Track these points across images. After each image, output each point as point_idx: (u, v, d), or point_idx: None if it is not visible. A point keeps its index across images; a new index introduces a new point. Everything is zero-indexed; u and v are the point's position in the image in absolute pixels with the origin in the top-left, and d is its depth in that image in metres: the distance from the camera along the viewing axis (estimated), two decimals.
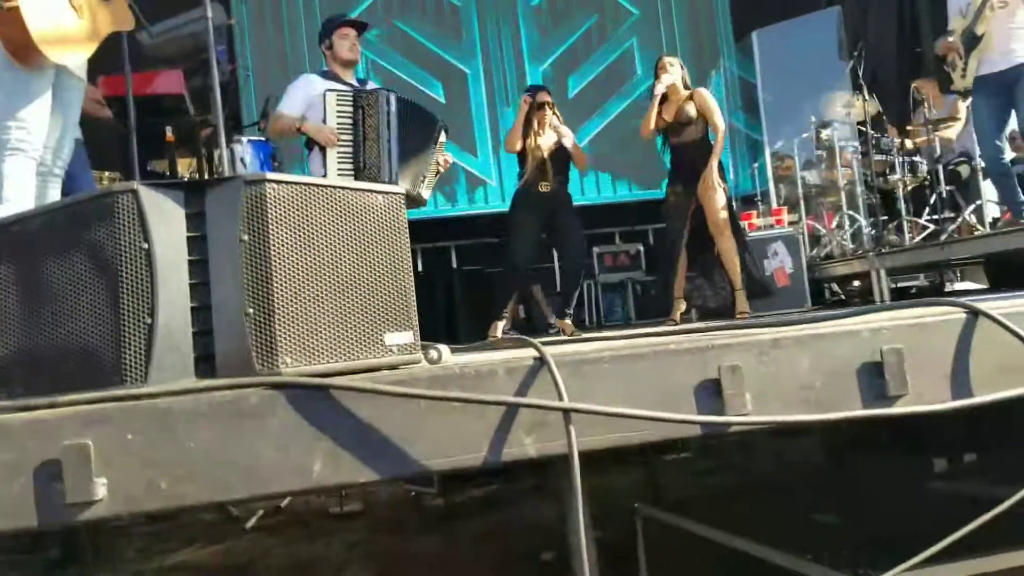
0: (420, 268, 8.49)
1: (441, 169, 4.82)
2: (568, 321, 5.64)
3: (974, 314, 1.81)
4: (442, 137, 4.74)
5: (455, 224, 8.49)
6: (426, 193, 4.72)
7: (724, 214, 5.48)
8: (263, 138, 5.63)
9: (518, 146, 5.61)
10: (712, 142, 5.52)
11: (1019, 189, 5.10)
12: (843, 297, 6.98)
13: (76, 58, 3.03)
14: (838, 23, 7.90)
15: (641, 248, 8.47)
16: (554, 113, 5.64)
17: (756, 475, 6.10)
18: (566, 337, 5.30)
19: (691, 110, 5.48)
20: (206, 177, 5.02)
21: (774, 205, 7.24)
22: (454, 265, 8.64)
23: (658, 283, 5.78)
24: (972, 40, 5.03)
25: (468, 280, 7.95)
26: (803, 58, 7.87)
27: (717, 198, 5.45)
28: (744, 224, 6.27)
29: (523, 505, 5.95)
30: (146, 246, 1.65)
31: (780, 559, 2.40)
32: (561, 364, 1.70)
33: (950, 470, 3.54)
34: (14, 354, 1.76)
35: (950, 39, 5.22)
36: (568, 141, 5.56)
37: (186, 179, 5.28)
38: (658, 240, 8.23)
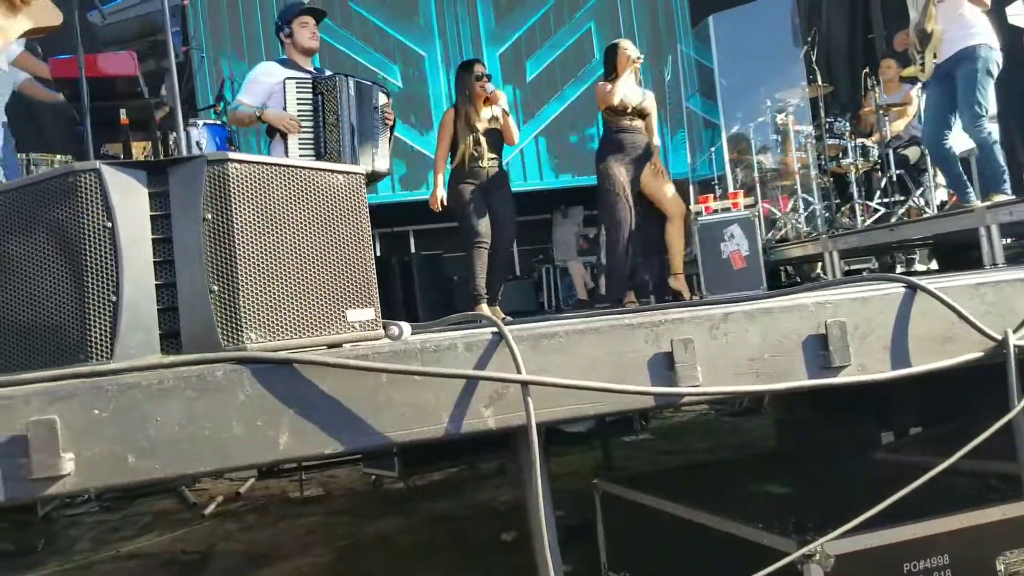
0: (378, 252, 8.48)
1: (389, 123, 4.82)
2: (498, 308, 5.59)
3: (912, 288, 1.90)
4: (382, 99, 4.77)
5: (413, 208, 8.45)
6: (385, 163, 4.75)
7: (676, 197, 5.68)
8: (219, 122, 5.61)
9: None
10: None
11: (963, 174, 5.24)
12: (798, 279, 7.13)
13: None
14: (793, 9, 8.03)
15: (602, 232, 8.53)
16: (489, 81, 5.52)
17: (711, 453, 6.24)
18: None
19: (649, 106, 5.69)
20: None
21: (731, 188, 7.35)
22: (412, 249, 8.65)
23: (613, 266, 5.74)
24: (924, 36, 5.15)
25: (426, 264, 7.96)
26: (759, 43, 7.99)
27: (670, 183, 5.64)
28: (702, 207, 6.38)
29: (484, 488, 6.01)
30: (109, 224, 1.67)
31: (733, 528, 2.49)
32: (519, 339, 1.75)
33: (897, 443, 3.67)
34: None
35: (906, 32, 5.33)
36: (503, 103, 5.47)
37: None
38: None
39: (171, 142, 5.14)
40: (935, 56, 5.13)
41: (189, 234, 1.70)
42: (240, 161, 1.72)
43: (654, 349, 1.81)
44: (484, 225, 5.42)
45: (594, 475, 3.46)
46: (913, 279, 1.94)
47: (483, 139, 5.46)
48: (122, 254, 1.68)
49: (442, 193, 5.52)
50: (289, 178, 1.78)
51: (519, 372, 1.70)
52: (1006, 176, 4.94)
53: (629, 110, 5.65)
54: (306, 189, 1.81)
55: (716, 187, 7.63)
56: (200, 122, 5.46)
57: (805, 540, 2.16)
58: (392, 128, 4.86)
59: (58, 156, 5.33)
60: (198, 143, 5.31)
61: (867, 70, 6.95)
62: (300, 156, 4.47)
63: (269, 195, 1.74)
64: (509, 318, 5.50)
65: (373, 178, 4.83)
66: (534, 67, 8.93)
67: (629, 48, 5.70)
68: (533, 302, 8.34)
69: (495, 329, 1.76)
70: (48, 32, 3.49)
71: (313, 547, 4.87)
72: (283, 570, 4.49)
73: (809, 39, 7.13)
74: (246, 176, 1.72)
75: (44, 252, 1.68)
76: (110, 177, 1.68)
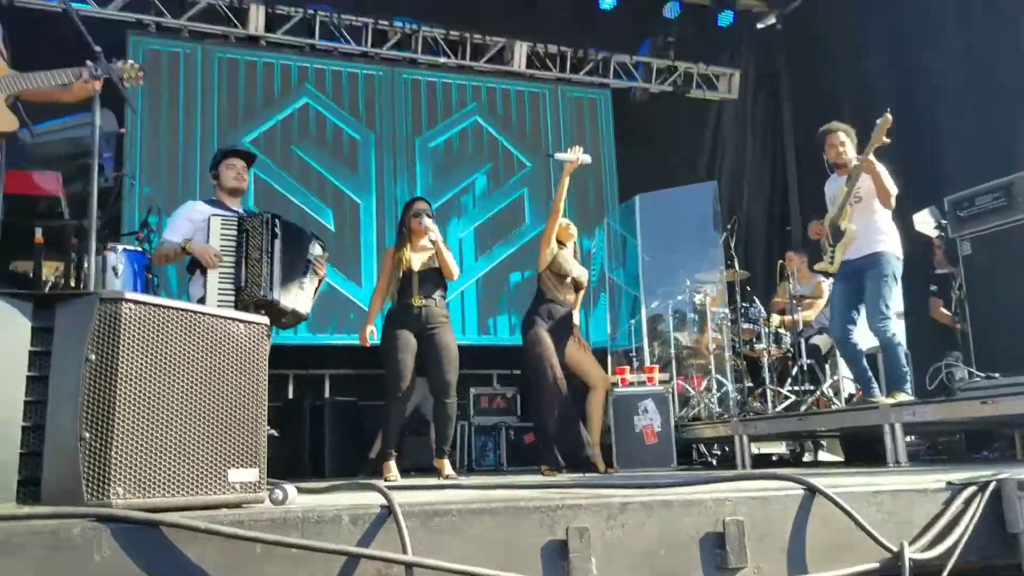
0: (291, 394, 8.26)
1: (320, 274, 4.80)
2: (445, 460, 5.38)
3: (811, 491, 1.89)
4: (317, 250, 4.78)
5: (332, 352, 8.34)
6: (307, 307, 4.70)
7: (599, 368, 5.73)
8: (140, 249, 5.51)
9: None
10: None
11: (868, 369, 5.40)
12: (709, 459, 7.15)
13: None
14: (715, 197, 8.41)
15: (518, 392, 8.51)
16: (431, 218, 5.42)
17: None
18: (440, 481, 5.14)
19: (583, 280, 5.81)
20: (71, 283, 4.84)
21: (647, 362, 7.44)
22: (327, 394, 8.44)
23: (542, 431, 5.68)
24: (837, 232, 5.39)
25: (340, 410, 7.74)
26: (681, 224, 8.31)
27: (590, 355, 5.71)
28: (618, 379, 6.41)
29: None
30: None
31: None
32: (409, 514, 1.67)
33: None
34: None
35: (821, 223, 5.59)
36: (434, 234, 5.32)
37: (50, 282, 5.07)
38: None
39: (85, 265, 5.02)
40: (843, 252, 5.37)
41: (68, 375, 1.60)
42: (136, 302, 1.65)
43: (548, 535, 1.74)
44: (404, 373, 5.22)
45: None
46: (813, 480, 1.93)
47: (416, 277, 5.35)
48: None
49: (371, 328, 5.45)
50: (186, 323, 1.71)
51: (405, 552, 1.60)
52: (907, 376, 5.12)
53: (569, 278, 5.75)
54: (203, 336, 1.74)
55: (633, 359, 7.72)
56: (120, 247, 5.36)
57: None
58: (321, 280, 4.83)
59: None
60: (114, 268, 5.19)
61: (782, 260, 7.26)
62: (219, 289, 4.40)
63: (162, 340, 1.66)
64: (454, 475, 5.27)
65: (293, 319, 4.76)
66: (465, 225, 9.12)
67: (566, 221, 5.92)
68: None
69: (384, 502, 1.67)
70: (1, 139, 3.45)
71: None
72: None
73: (729, 226, 7.45)
74: (140, 318, 1.64)
75: None
76: None
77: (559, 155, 5.87)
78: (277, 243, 4.50)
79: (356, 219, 8.82)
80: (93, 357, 1.60)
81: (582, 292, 5.97)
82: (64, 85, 3.50)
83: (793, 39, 10.22)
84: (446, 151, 9.29)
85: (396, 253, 5.45)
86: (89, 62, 3.39)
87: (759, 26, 10.46)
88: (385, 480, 5.10)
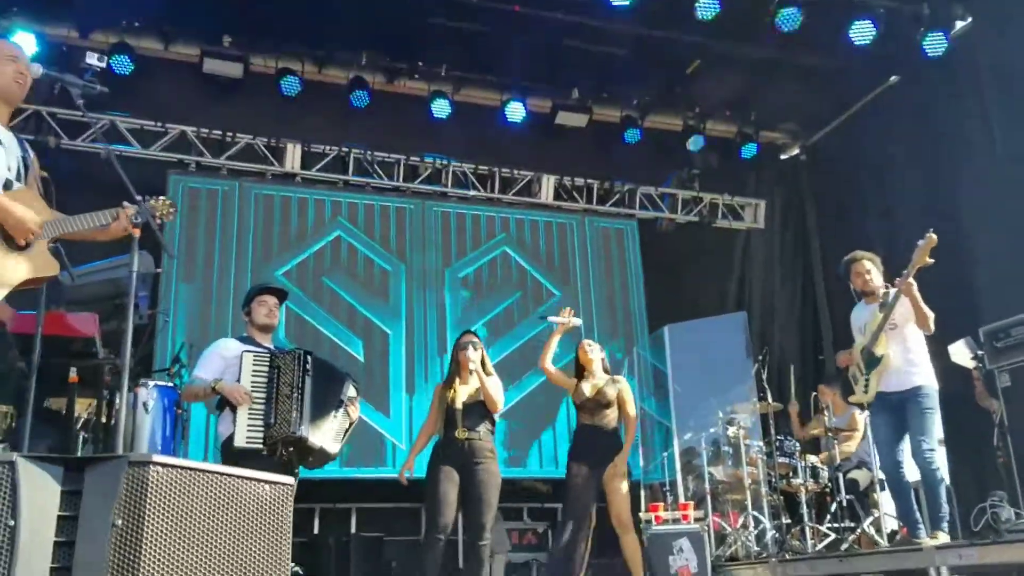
0: (316, 529, 8.10)
1: (353, 419, 4.78)
2: None
3: None
4: (351, 391, 4.79)
5: (359, 486, 8.21)
6: (336, 447, 4.67)
7: (628, 508, 5.60)
8: (171, 384, 5.55)
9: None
10: (621, 434, 5.73)
11: (915, 508, 5.20)
12: None
13: None
14: (745, 326, 8.38)
15: (549, 527, 8.29)
16: (481, 355, 5.45)
17: None
18: None
19: (611, 394, 5.71)
20: (103, 419, 4.86)
21: (681, 497, 7.25)
22: (353, 528, 8.26)
23: (555, 556, 5.55)
24: (872, 359, 5.29)
25: (365, 547, 7.55)
26: (712, 355, 8.25)
27: (623, 489, 5.59)
28: (651, 516, 6.24)
29: None
30: (12, 523, 1.55)
31: None
32: None
33: None
34: None
35: (849, 352, 5.50)
36: (474, 364, 5.32)
37: (82, 418, 5.08)
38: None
39: (117, 402, 5.04)
40: (878, 381, 5.25)
41: (95, 541, 1.57)
42: (163, 465, 1.64)
43: None
44: (445, 510, 5.09)
45: None
46: None
47: (460, 410, 5.29)
48: (18, 557, 1.54)
49: (410, 467, 5.48)
50: (213, 485, 1.69)
51: None
52: (947, 516, 4.96)
53: (586, 399, 5.69)
54: (229, 498, 1.71)
55: (667, 494, 7.51)
56: (151, 382, 5.40)
57: None
58: (353, 422, 4.82)
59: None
60: (144, 403, 5.22)
61: (815, 393, 7.14)
62: (248, 426, 4.42)
63: (188, 503, 1.64)
64: None
65: (320, 458, 4.73)
66: (495, 355, 9.09)
67: (587, 343, 5.92)
68: None
69: None
70: (42, 283, 3.51)
71: None
72: None
73: (760, 358, 7.36)
74: (167, 481, 1.63)
75: None
76: (24, 471, 1.58)
77: (551, 318, 6.17)
78: (308, 380, 4.54)
79: (385, 349, 8.84)
80: (120, 522, 1.58)
81: (626, 404, 5.84)
82: (103, 226, 3.58)
83: (818, 169, 10.36)
84: (475, 281, 9.39)
85: (444, 389, 5.44)
86: (127, 203, 3.48)
87: (783, 157, 10.65)
88: None
